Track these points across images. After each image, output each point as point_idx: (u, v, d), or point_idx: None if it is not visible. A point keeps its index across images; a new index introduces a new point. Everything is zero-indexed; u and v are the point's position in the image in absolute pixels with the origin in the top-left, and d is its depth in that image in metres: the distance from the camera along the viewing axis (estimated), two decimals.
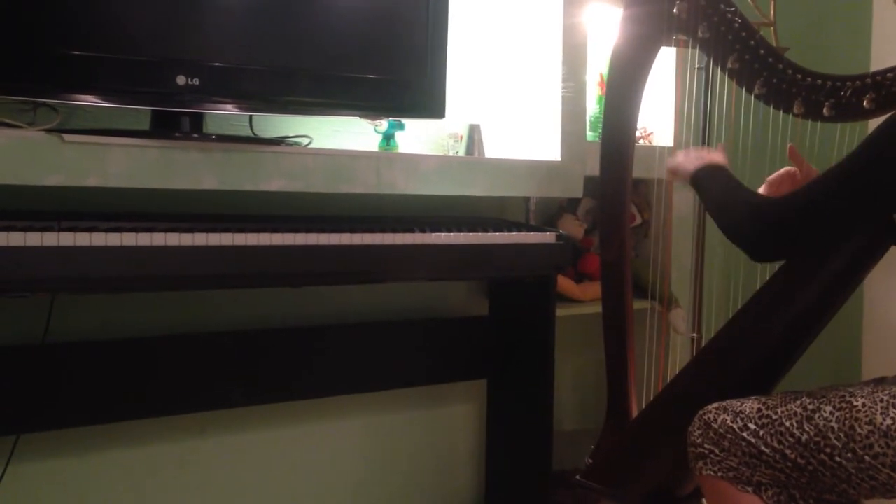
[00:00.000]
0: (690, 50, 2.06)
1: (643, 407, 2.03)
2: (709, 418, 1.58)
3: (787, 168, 1.87)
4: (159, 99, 1.80)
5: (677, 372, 1.99)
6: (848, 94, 1.71)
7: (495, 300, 2.43)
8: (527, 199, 2.48)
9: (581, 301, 2.53)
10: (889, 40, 3.26)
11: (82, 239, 1.54)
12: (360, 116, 2.16)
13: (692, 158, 1.82)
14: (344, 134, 2.26)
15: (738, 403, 1.57)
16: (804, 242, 1.62)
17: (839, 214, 1.53)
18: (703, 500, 1.70)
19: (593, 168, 2.19)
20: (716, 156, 1.82)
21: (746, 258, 1.79)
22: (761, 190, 1.88)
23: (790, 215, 1.56)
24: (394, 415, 2.40)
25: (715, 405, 1.60)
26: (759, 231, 1.60)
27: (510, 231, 2.02)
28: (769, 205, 1.63)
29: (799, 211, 1.55)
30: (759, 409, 1.54)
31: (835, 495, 1.50)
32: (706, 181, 1.74)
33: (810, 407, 1.50)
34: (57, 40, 1.68)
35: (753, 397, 1.59)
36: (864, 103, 1.68)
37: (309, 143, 2.08)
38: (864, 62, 3.30)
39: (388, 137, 2.24)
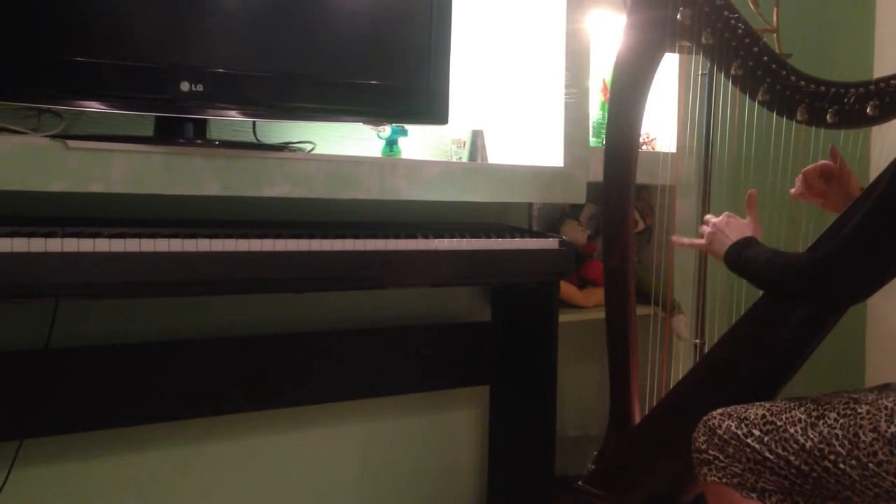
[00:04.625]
0: (694, 56, 2.05)
1: (646, 413, 2.03)
2: (713, 424, 1.58)
3: (825, 161, 1.85)
4: (163, 105, 1.80)
5: (680, 378, 1.99)
6: (851, 100, 1.71)
7: (498, 306, 2.43)
8: (529, 205, 2.48)
9: (584, 307, 2.53)
10: (892, 47, 3.26)
11: (86, 245, 1.54)
12: (364, 122, 2.16)
13: (719, 236, 1.76)
14: (347, 140, 2.26)
15: (743, 409, 1.57)
16: (861, 281, 1.53)
17: (883, 254, 1.50)
18: None
19: (596, 174, 2.20)
20: (748, 220, 1.78)
21: None
22: (798, 184, 1.85)
23: (839, 261, 1.51)
24: (397, 420, 2.40)
25: (719, 411, 1.60)
26: (817, 284, 1.55)
27: (513, 237, 2.02)
28: (818, 255, 1.57)
29: (845, 255, 1.51)
30: (764, 416, 1.54)
31: (839, 502, 1.50)
32: (739, 259, 1.69)
33: (814, 413, 1.50)
34: (61, 47, 1.69)
35: (758, 403, 1.59)
36: (868, 110, 1.68)
37: (312, 149, 2.08)
38: (867, 69, 3.30)
39: (391, 143, 2.24)
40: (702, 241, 1.82)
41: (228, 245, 1.67)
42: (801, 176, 1.85)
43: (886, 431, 1.41)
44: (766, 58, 1.81)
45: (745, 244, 1.70)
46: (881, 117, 1.70)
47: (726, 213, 1.81)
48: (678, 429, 1.75)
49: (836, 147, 1.84)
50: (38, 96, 1.72)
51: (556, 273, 2.11)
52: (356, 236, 1.82)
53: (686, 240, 1.97)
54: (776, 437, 1.50)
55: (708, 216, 1.84)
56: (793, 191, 1.87)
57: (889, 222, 1.46)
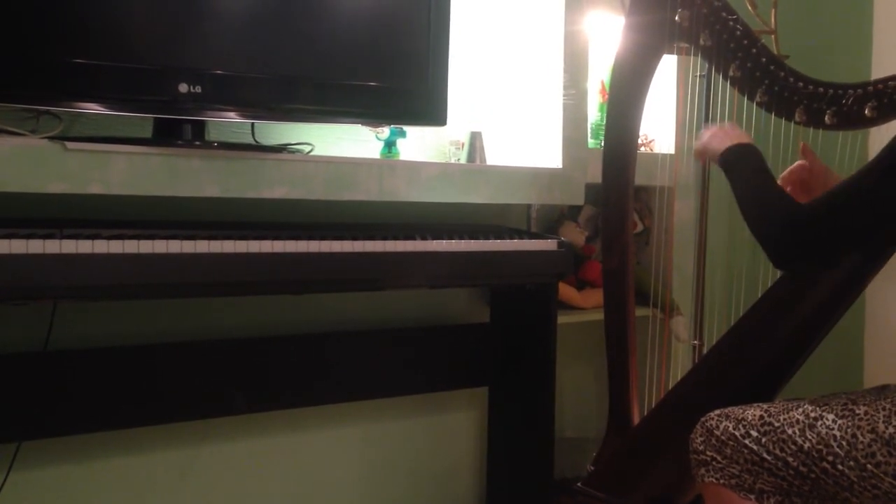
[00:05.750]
0: (692, 58, 2.06)
1: (645, 414, 2.03)
2: (711, 425, 1.58)
3: (800, 162, 1.87)
4: (162, 107, 1.80)
5: (679, 379, 1.99)
6: (849, 102, 1.71)
7: (497, 307, 2.43)
8: (528, 207, 2.48)
9: (582, 308, 2.53)
10: (890, 48, 3.26)
11: (84, 246, 1.54)
12: (362, 124, 2.16)
13: (720, 135, 1.75)
14: (346, 141, 2.26)
15: (741, 410, 1.57)
16: (830, 253, 1.56)
17: (865, 226, 1.50)
18: None
19: (594, 175, 2.20)
20: (743, 134, 1.76)
21: (748, 265, 1.79)
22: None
23: (820, 226, 1.51)
24: (395, 422, 2.40)
25: (717, 412, 1.60)
26: (788, 241, 1.54)
27: (511, 238, 2.02)
28: (800, 213, 1.56)
29: (826, 221, 1.51)
30: (762, 417, 1.54)
31: (837, 503, 1.50)
32: (736, 165, 1.67)
33: (812, 415, 1.50)
34: (60, 48, 1.69)
35: (756, 404, 1.59)
36: (866, 111, 1.68)
37: (311, 151, 2.08)
38: (865, 70, 3.30)
39: (389, 145, 2.24)
40: (703, 141, 1.81)
41: (227, 247, 1.67)
42: (780, 182, 1.87)
43: (884, 432, 1.41)
44: (764, 59, 1.81)
45: (747, 151, 1.68)
46: (879, 118, 1.70)
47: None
48: (677, 430, 1.75)
49: (807, 145, 1.86)
50: (36, 98, 1.72)
51: (555, 274, 2.11)
52: (354, 238, 1.82)
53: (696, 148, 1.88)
54: (774, 438, 1.50)
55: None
56: None
57: (860, 187, 1.48)
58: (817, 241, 1.52)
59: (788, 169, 1.87)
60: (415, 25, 2.04)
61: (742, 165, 1.67)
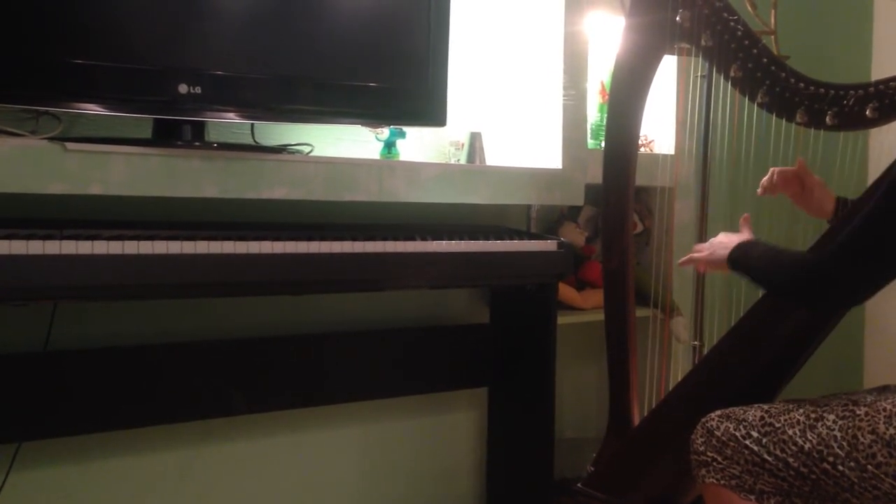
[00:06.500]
0: (693, 58, 2.05)
1: (645, 414, 2.03)
2: (711, 426, 1.58)
3: (796, 170, 1.87)
4: (161, 107, 1.80)
5: (679, 380, 1.99)
6: (851, 102, 1.71)
7: (496, 308, 2.43)
8: (528, 207, 2.48)
9: (582, 309, 2.53)
10: (890, 48, 3.26)
11: (84, 247, 1.54)
12: (362, 124, 2.16)
13: (720, 245, 1.75)
14: (345, 142, 2.26)
15: (741, 411, 1.57)
16: (859, 286, 1.56)
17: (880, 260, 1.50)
18: None
19: (594, 176, 2.20)
20: (743, 233, 1.77)
21: None
22: (766, 177, 1.88)
23: (837, 266, 1.51)
24: (395, 423, 2.39)
25: (718, 413, 1.60)
26: (814, 287, 1.55)
27: (511, 239, 2.02)
28: (814, 260, 1.59)
29: (843, 259, 1.50)
30: (762, 418, 1.54)
31: None
32: (744, 259, 1.68)
33: (813, 415, 1.50)
34: (59, 49, 1.69)
35: (756, 405, 1.59)
36: (867, 112, 1.68)
37: (310, 152, 2.08)
38: (865, 70, 3.30)
39: (389, 145, 2.24)
40: (703, 255, 1.80)
41: (227, 247, 1.67)
42: (774, 173, 1.89)
43: (885, 433, 1.41)
44: (765, 60, 1.81)
45: (751, 244, 1.69)
46: (880, 119, 1.70)
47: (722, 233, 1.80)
48: (677, 430, 1.76)
49: (813, 147, 1.87)
50: (36, 98, 1.72)
51: (555, 275, 2.11)
52: (354, 238, 1.82)
53: (690, 257, 1.88)
54: (774, 439, 1.50)
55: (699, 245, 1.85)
56: (759, 191, 1.90)
57: (886, 229, 1.46)
58: (846, 276, 1.51)
59: (781, 174, 1.87)
60: (415, 25, 2.04)
61: (749, 256, 1.67)
